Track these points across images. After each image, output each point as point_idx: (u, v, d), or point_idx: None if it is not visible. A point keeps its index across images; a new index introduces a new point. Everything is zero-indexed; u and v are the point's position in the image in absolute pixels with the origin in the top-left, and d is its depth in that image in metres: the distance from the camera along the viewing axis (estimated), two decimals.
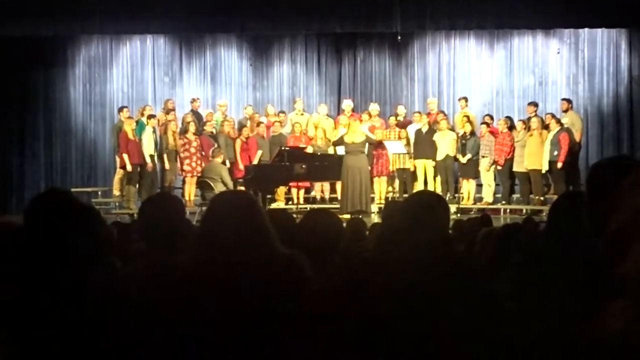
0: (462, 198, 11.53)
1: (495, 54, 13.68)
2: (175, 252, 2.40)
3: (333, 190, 12.06)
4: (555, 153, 10.58)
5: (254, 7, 11.78)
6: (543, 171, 10.84)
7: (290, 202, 12.00)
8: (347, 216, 8.93)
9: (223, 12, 11.81)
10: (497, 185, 11.51)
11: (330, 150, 11.55)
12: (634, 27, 12.60)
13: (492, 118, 12.04)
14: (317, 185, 12.27)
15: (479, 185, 11.61)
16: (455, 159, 11.49)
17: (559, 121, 10.90)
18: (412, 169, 11.69)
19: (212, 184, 10.42)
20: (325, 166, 10.88)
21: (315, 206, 11.38)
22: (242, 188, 10.50)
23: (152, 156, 11.34)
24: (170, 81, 14.01)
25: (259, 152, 11.74)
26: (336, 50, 14.13)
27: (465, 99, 12.44)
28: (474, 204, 11.45)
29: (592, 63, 13.20)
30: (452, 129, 11.76)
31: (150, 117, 11.63)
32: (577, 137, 11.16)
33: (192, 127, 11.60)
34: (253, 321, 2.01)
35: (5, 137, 13.33)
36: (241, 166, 11.62)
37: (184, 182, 11.79)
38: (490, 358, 1.95)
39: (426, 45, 13.89)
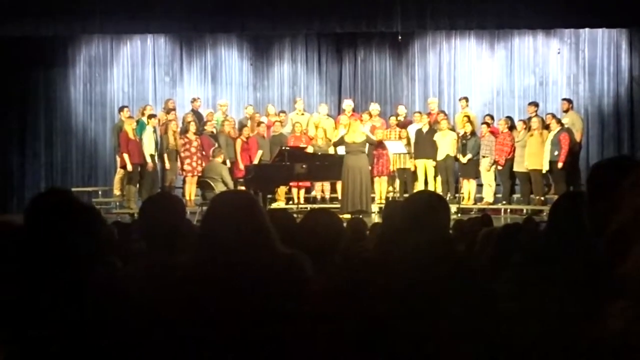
0: (463, 198, 11.52)
1: (495, 53, 13.68)
2: (175, 252, 2.40)
3: (333, 190, 12.07)
4: (556, 153, 10.57)
5: (255, 6, 11.79)
6: (543, 171, 10.84)
7: (290, 202, 12.00)
8: (348, 216, 8.94)
9: (223, 12, 11.81)
10: (497, 185, 11.50)
11: (331, 151, 11.55)
12: (635, 27, 12.59)
13: (492, 118, 12.04)
14: (318, 185, 12.27)
15: (480, 185, 11.60)
16: (456, 159, 11.49)
17: (559, 121, 10.90)
18: (412, 168, 11.69)
19: (212, 183, 10.42)
20: (326, 166, 10.88)
21: (316, 206, 11.38)
22: (243, 188, 10.50)
23: (152, 156, 11.34)
24: (170, 81, 14.01)
25: (260, 152, 11.74)
26: (337, 50, 14.13)
27: (466, 98, 12.43)
28: (475, 204, 11.44)
29: (592, 63, 13.20)
30: (453, 129, 11.76)
31: (151, 116, 11.63)
32: (577, 137, 11.15)
33: (192, 127, 11.60)
34: (253, 321, 2.01)
35: (6, 137, 13.34)
36: (241, 166, 11.61)
37: (184, 181, 11.79)
38: (490, 358, 1.95)
39: (427, 45, 13.88)
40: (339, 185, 11.30)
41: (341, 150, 11.01)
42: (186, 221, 2.85)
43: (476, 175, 11.47)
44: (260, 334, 1.99)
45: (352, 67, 14.13)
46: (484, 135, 11.39)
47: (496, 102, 13.58)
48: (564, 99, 11.96)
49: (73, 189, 10.15)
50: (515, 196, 11.54)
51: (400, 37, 12.23)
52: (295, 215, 4.35)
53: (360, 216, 8.41)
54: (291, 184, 11.63)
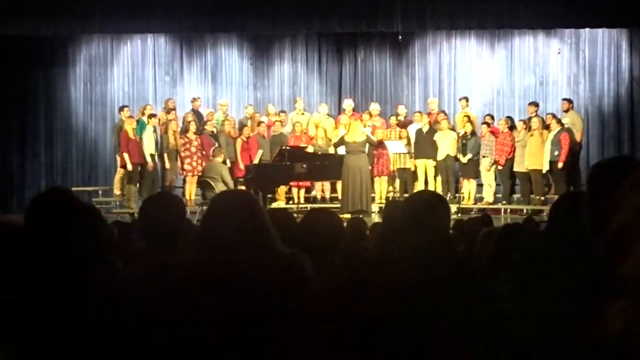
0: (463, 198, 11.52)
1: (496, 53, 13.68)
2: (175, 252, 2.40)
3: (334, 189, 12.06)
4: (556, 153, 10.57)
5: (255, 6, 11.79)
6: (544, 171, 10.83)
7: (290, 202, 12.00)
8: (348, 216, 8.93)
9: (224, 12, 11.82)
10: (497, 185, 11.50)
11: (331, 150, 11.55)
12: (635, 27, 12.59)
13: (492, 118, 12.04)
14: (318, 185, 12.27)
15: (480, 185, 11.60)
16: (456, 158, 11.49)
17: (559, 121, 10.90)
18: (412, 168, 11.68)
19: (212, 183, 10.42)
20: (326, 166, 10.87)
21: (316, 206, 11.38)
22: (243, 187, 10.50)
23: (152, 155, 11.34)
24: (170, 80, 14.01)
25: (260, 152, 11.74)
26: (337, 50, 14.13)
27: (466, 98, 12.43)
28: (475, 203, 11.44)
29: (592, 63, 13.20)
30: (453, 129, 11.76)
31: (151, 116, 11.63)
32: (577, 137, 11.15)
33: (192, 127, 11.60)
34: (253, 321, 2.00)
35: (6, 136, 13.34)
36: (242, 166, 11.61)
37: (184, 181, 11.79)
38: (490, 358, 1.95)
39: (427, 45, 13.88)
40: (339, 185, 11.30)
41: (341, 150, 11.01)
42: (186, 221, 2.85)
43: (476, 175, 11.47)
44: (261, 333, 1.99)
45: (352, 66, 14.13)
46: (484, 135, 11.39)
47: (496, 102, 13.58)
48: (564, 99, 11.96)
49: (73, 189, 10.14)
50: (516, 196, 11.54)
51: (400, 37, 12.22)
52: (295, 215, 4.35)
53: (361, 216, 8.40)
54: (291, 183, 11.62)
